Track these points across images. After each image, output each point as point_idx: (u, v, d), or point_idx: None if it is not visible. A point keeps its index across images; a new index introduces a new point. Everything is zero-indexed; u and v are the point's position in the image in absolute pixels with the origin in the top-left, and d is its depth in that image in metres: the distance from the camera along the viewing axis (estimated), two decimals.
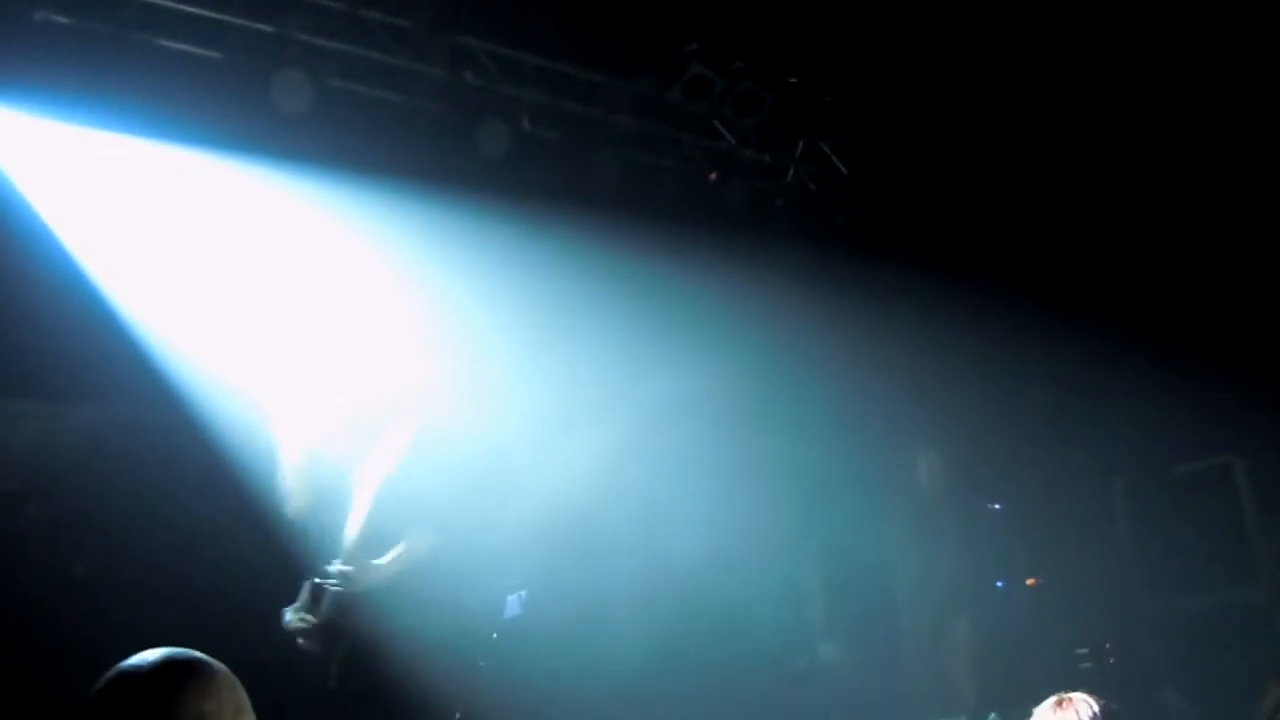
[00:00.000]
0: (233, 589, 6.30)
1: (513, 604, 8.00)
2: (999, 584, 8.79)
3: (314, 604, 5.31)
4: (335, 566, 5.28)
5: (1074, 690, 3.64)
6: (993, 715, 4.36)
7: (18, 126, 5.95)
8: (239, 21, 6.43)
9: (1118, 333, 8.03)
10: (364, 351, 6.99)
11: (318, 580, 5.26)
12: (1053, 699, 3.60)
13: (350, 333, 6.99)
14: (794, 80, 7.62)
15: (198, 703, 2.05)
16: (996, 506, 9.04)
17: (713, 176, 8.03)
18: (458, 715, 6.89)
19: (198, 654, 2.14)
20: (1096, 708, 3.52)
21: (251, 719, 2.14)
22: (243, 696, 2.13)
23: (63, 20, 6.00)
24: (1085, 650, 8.32)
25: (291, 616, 5.27)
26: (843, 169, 8.30)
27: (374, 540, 5.38)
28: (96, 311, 6.21)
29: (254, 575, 6.40)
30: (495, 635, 7.82)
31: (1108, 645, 8.21)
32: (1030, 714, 3.64)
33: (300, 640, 5.21)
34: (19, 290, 5.86)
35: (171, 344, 6.48)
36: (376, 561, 5.28)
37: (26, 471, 6.32)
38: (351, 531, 5.34)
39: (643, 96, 7.57)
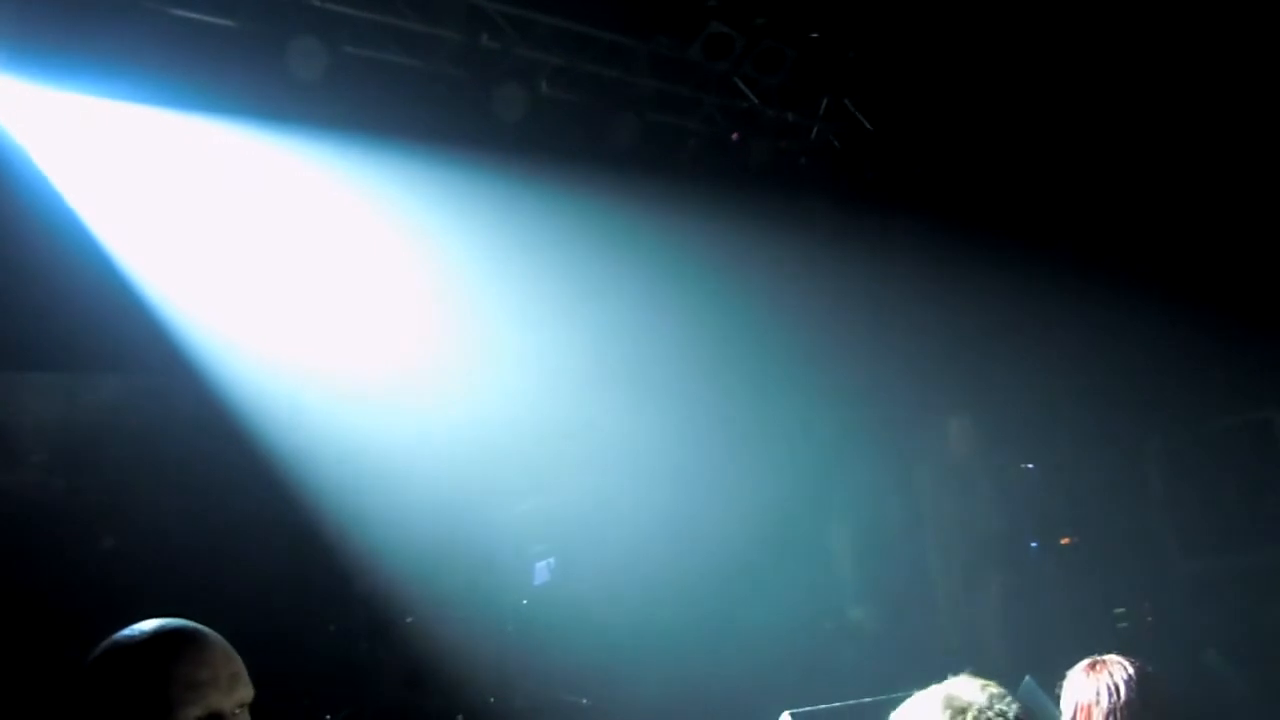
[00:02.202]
0: (255, 556, 6.34)
1: (541, 570, 8.02)
2: (1033, 544, 8.69)
3: None
4: None
5: (1109, 652, 3.55)
6: (1027, 678, 4.27)
7: (34, 99, 5.93)
8: None
9: (1153, 287, 7.86)
10: (381, 317, 7.00)
11: None
12: (1086, 662, 3.51)
13: (368, 299, 7.00)
14: (815, 36, 7.45)
15: (192, 671, 2.02)
16: (1029, 466, 8.92)
17: (735, 136, 7.90)
18: (491, 699, 6.94)
19: (193, 623, 2.12)
20: (1131, 670, 3.42)
21: (248, 688, 2.10)
22: (239, 665, 2.10)
23: None
24: (1122, 610, 8.21)
25: None
26: (867, 125, 8.14)
27: None
28: (116, 283, 6.21)
29: (276, 542, 6.45)
30: (525, 602, 7.84)
31: (1145, 605, 8.10)
32: (1064, 678, 3.55)
33: None
34: (37, 265, 5.87)
35: (191, 314, 6.49)
36: None
37: (52, 443, 6.35)
38: None
39: (662, 56, 7.45)
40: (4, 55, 5.68)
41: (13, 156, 5.88)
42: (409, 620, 7.12)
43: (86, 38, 5.96)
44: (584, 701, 7.30)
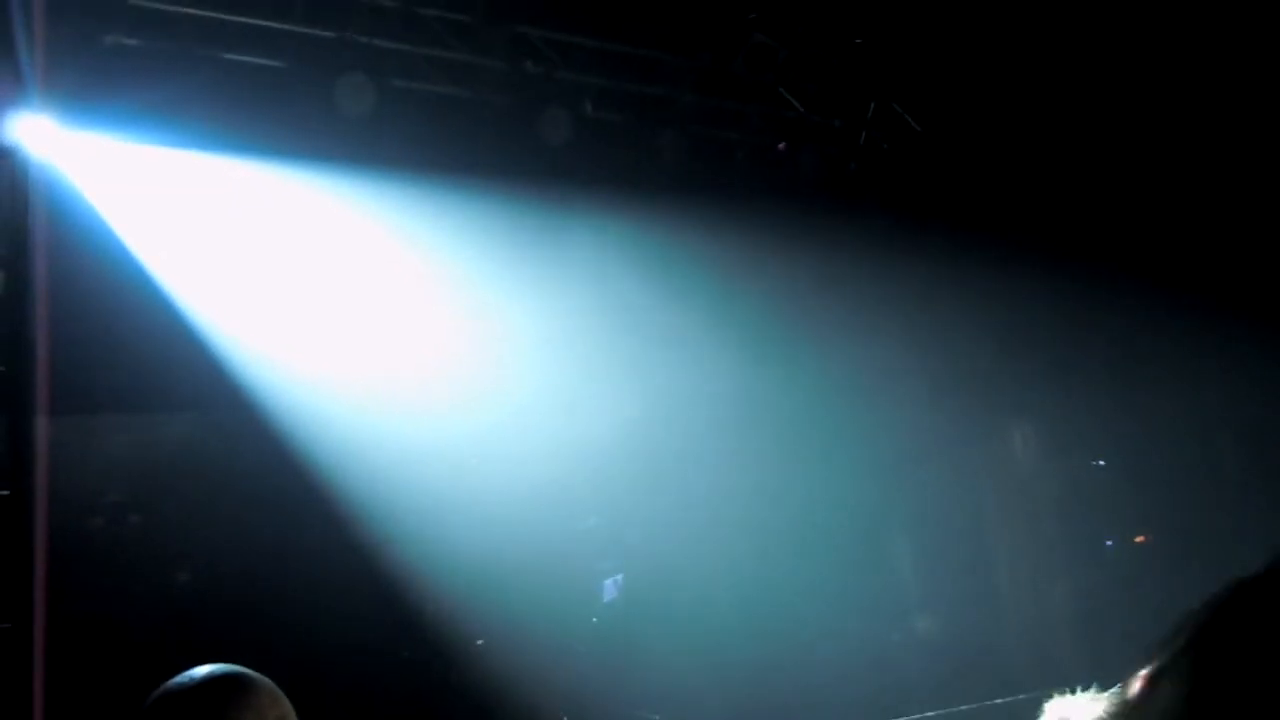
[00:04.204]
0: (327, 586, 6.45)
1: (610, 588, 8.06)
2: (1108, 543, 8.53)
3: None
4: None
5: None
6: (1094, 688, 4.17)
7: (97, 150, 6.12)
8: (300, 29, 6.51)
9: (1220, 276, 7.69)
10: (443, 345, 7.10)
11: None
12: (1146, 670, 3.43)
13: (429, 328, 7.10)
14: (858, 40, 7.42)
15: (238, 716, 2.10)
16: (1101, 463, 8.76)
17: (782, 146, 7.89)
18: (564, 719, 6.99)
19: (240, 668, 2.20)
20: None
21: None
22: (285, 708, 2.18)
23: (131, 42, 6.15)
24: None
25: None
26: (916, 126, 8.07)
27: None
28: (181, 326, 6.38)
29: (347, 571, 6.56)
30: (594, 620, 7.89)
31: None
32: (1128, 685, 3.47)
33: None
34: (105, 311, 6.05)
35: (255, 352, 6.64)
36: None
37: (126, 482, 6.54)
38: None
39: (705, 71, 7.47)
40: (63, 109, 5.86)
41: (77, 206, 6.07)
42: (480, 643, 7.20)
43: (144, 87, 6.13)
44: (656, 719, 7.32)
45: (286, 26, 6.48)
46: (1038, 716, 2.71)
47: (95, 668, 5.47)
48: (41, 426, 4.59)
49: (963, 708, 4.70)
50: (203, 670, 2.20)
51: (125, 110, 6.10)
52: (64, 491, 5.45)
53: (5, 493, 4.36)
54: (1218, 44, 7.08)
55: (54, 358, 5.03)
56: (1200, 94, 7.31)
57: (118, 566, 6.19)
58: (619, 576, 8.11)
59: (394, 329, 7.08)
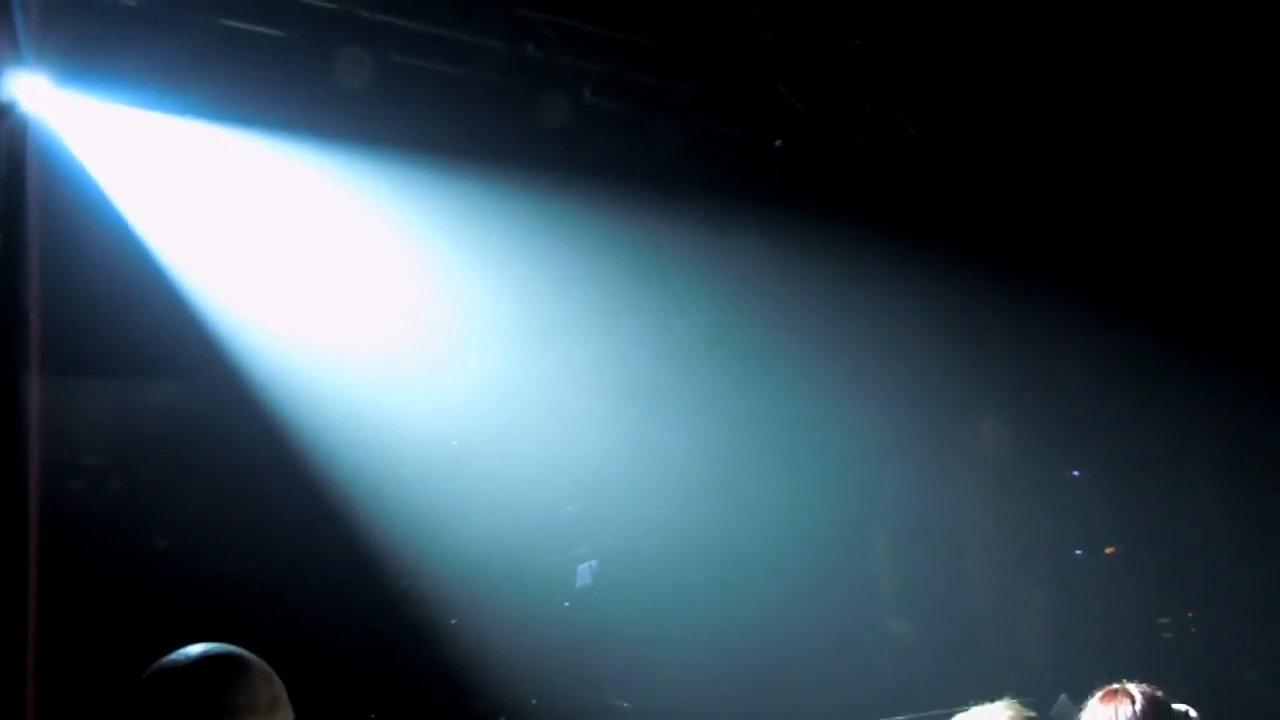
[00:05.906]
0: (305, 558, 6.46)
1: (584, 574, 8.10)
2: (1078, 552, 8.63)
3: None
4: None
5: (1149, 665, 3.54)
6: (1062, 696, 4.27)
7: (90, 111, 6.07)
8: None
9: (1199, 297, 7.78)
10: (428, 324, 7.11)
11: None
12: (1104, 690, 3.50)
13: (416, 306, 7.10)
14: (858, 42, 7.43)
15: (231, 697, 2.10)
16: (1076, 474, 8.86)
17: (778, 143, 7.90)
18: (533, 701, 7.03)
19: (234, 649, 2.20)
20: (1141, 702, 3.40)
21: (287, 711, 2.18)
22: (278, 689, 2.18)
23: (130, 3, 6.09)
24: (1167, 620, 8.14)
25: None
26: (912, 130, 8.10)
27: None
28: (171, 292, 6.36)
29: (325, 544, 6.57)
30: (567, 604, 7.94)
31: (1190, 615, 8.02)
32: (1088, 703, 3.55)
33: None
34: (96, 272, 6.02)
35: (244, 321, 6.62)
36: None
37: (108, 447, 6.52)
38: None
39: (705, 64, 7.46)
40: (59, 69, 5.81)
41: (71, 169, 6.03)
42: (453, 622, 7.24)
43: (141, 51, 6.08)
44: (624, 705, 7.37)
45: None
46: None
47: (68, 631, 5.46)
48: (35, 386, 4.58)
49: (935, 712, 4.75)
50: (197, 649, 2.18)
51: (121, 73, 6.05)
52: (44, 453, 5.43)
53: None
54: (1219, 54, 7.13)
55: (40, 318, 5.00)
56: (1203, 104, 7.37)
57: (96, 530, 6.17)
58: (593, 562, 8.16)
59: (379, 306, 7.08)
